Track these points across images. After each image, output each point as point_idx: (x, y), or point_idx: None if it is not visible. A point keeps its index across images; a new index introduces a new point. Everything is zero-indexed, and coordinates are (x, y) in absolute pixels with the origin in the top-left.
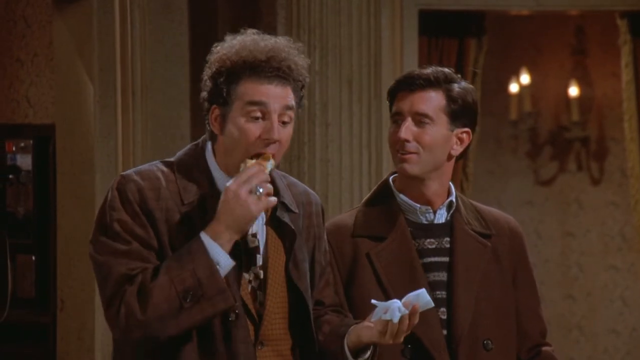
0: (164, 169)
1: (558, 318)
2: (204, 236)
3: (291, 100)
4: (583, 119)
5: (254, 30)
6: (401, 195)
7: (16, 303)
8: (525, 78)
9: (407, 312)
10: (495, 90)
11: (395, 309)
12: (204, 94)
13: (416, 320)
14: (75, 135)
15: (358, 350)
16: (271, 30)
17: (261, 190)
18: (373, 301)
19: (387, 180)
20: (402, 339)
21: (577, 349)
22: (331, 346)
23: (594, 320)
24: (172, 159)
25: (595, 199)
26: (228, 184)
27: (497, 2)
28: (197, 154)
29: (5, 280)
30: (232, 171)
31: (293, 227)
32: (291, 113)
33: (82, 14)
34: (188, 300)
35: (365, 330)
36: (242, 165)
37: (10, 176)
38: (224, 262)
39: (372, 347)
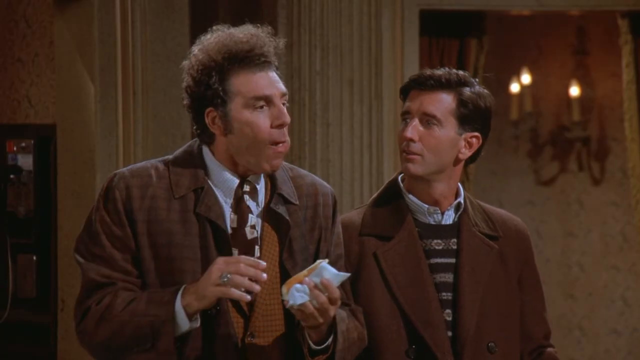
0: (158, 165)
1: (559, 318)
2: (180, 293)
3: (282, 84)
4: (584, 119)
5: (220, 27)
6: (409, 195)
7: (17, 303)
8: (526, 78)
9: (307, 294)
10: (496, 90)
11: (292, 292)
12: (188, 101)
13: (333, 292)
14: (76, 135)
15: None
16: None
17: (226, 279)
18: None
19: (395, 179)
20: (331, 314)
21: (578, 349)
22: (299, 336)
23: (595, 320)
24: (169, 156)
25: (596, 199)
26: (221, 260)
27: (498, 2)
28: (193, 151)
29: (6, 280)
30: (250, 169)
31: (287, 218)
32: (286, 95)
33: (83, 14)
34: (135, 349)
35: None
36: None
37: (12, 176)
38: (183, 325)
39: (331, 327)
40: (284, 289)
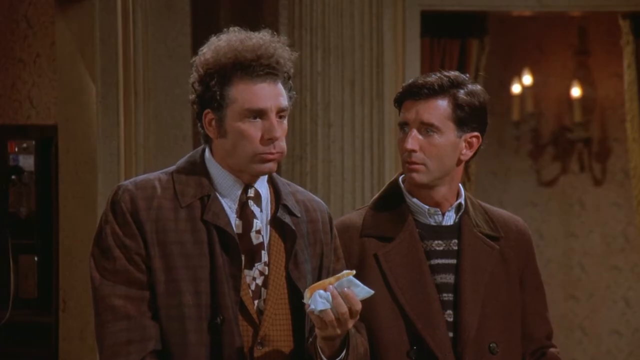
0: (162, 177)
1: (560, 319)
2: None
3: (284, 99)
4: (585, 119)
5: (237, 28)
6: (410, 197)
7: (18, 303)
8: (527, 79)
9: (329, 302)
10: (498, 91)
11: (315, 297)
12: (193, 97)
13: (355, 304)
14: (78, 135)
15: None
16: (273, 31)
17: None
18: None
19: (396, 180)
20: (349, 325)
21: (580, 349)
22: (311, 348)
23: (597, 321)
24: (171, 168)
25: (597, 200)
26: None
27: (499, 2)
28: (196, 158)
29: (7, 281)
30: (238, 171)
31: (294, 228)
32: (287, 109)
33: (84, 15)
34: None
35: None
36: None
37: (13, 177)
38: None
39: (344, 342)
40: (307, 293)
